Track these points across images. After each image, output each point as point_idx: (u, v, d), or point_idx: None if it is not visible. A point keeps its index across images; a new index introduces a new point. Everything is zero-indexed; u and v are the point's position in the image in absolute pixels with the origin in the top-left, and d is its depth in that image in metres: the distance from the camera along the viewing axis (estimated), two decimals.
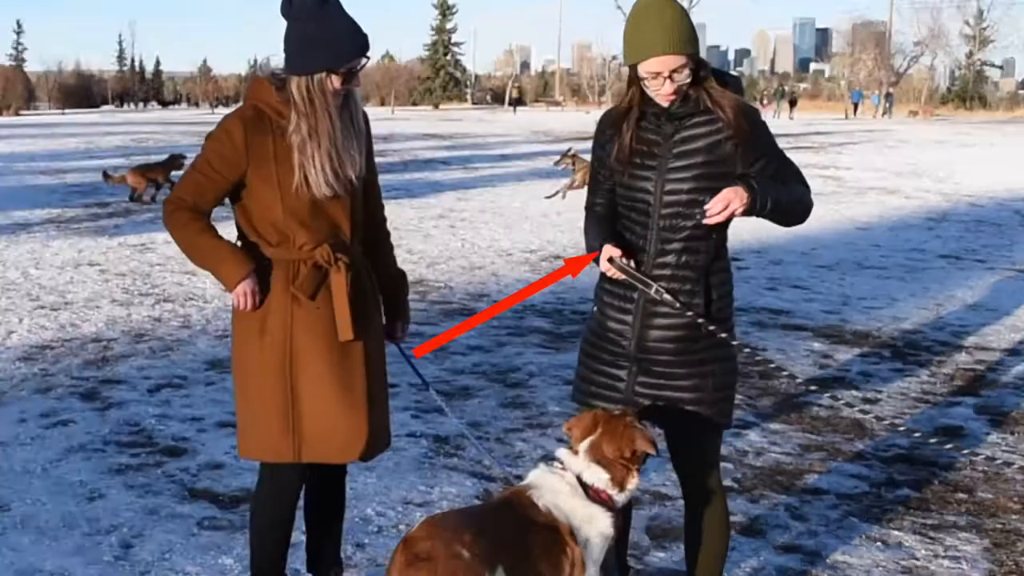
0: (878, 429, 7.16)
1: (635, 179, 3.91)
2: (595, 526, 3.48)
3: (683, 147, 3.83)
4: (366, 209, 4.26)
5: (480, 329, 10.07)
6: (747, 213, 3.73)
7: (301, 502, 4.50)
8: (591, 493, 3.50)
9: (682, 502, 4.32)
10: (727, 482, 4.79)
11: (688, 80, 3.76)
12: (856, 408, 7.25)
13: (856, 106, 71.23)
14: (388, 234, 4.49)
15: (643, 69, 3.74)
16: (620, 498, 3.57)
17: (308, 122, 3.93)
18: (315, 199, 3.97)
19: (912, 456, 6.69)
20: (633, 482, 3.58)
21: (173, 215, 4.08)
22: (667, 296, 3.82)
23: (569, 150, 22.31)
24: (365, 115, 4.24)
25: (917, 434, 6.80)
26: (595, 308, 4.19)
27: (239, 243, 4.14)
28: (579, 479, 3.51)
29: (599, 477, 3.51)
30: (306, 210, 3.98)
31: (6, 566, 4.99)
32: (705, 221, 3.73)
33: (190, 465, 6.39)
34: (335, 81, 3.91)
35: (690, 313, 3.86)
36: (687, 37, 3.73)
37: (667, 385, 3.96)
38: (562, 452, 3.64)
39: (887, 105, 71.57)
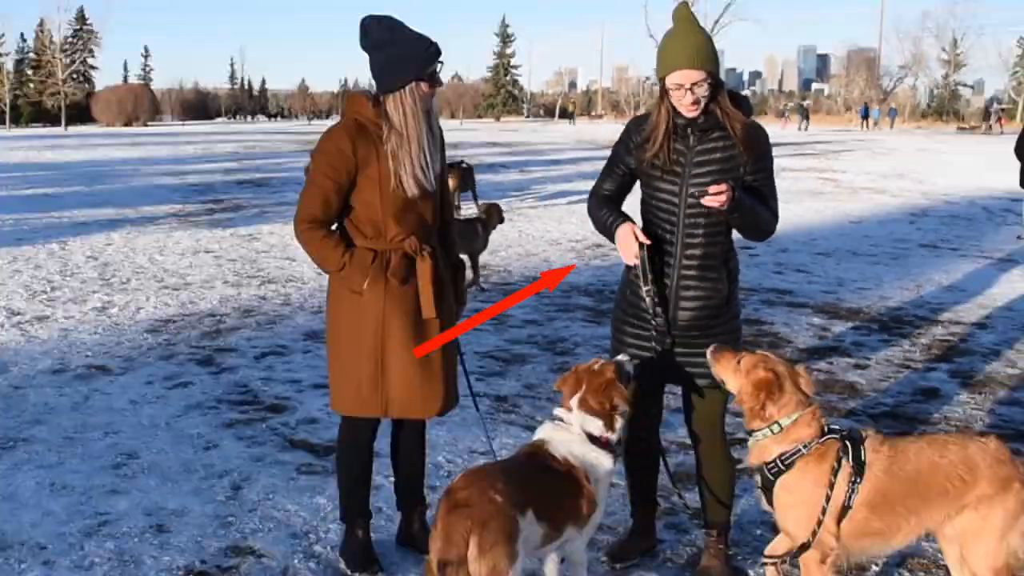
0: (867, 390, 7.24)
1: (663, 182, 4.01)
2: (603, 466, 3.64)
3: (702, 157, 3.94)
4: (440, 205, 4.29)
5: (533, 306, 10.09)
6: (728, 211, 3.81)
7: (388, 451, 4.62)
8: (594, 440, 3.64)
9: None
10: (741, 434, 4.74)
11: (707, 95, 3.84)
12: (849, 372, 7.58)
13: (866, 120, 71.30)
14: (451, 228, 4.47)
15: (669, 81, 3.82)
16: (613, 439, 3.72)
17: (402, 132, 3.96)
18: (406, 197, 3.99)
19: (896, 413, 6.74)
20: (619, 424, 3.74)
21: (306, 233, 4.08)
22: (652, 300, 3.98)
23: None
24: (439, 124, 4.26)
25: (900, 394, 7.08)
26: (627, 289, 4.27)
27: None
28: (583, 430, 3.65)
29: (596, 426, 3.66)
30: (399, 207, 4.01)
31: (135, 504, 5.05)
32: (703, 200, 3.80)
33: (290, 420, 6.44)
34: (423, 87, 3.95)
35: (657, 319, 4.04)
36: (708, 57, 3.82)
37: (692, 353, 4.05)
38: (560, 411, 3.76)
39: (891, 118, 72.03)
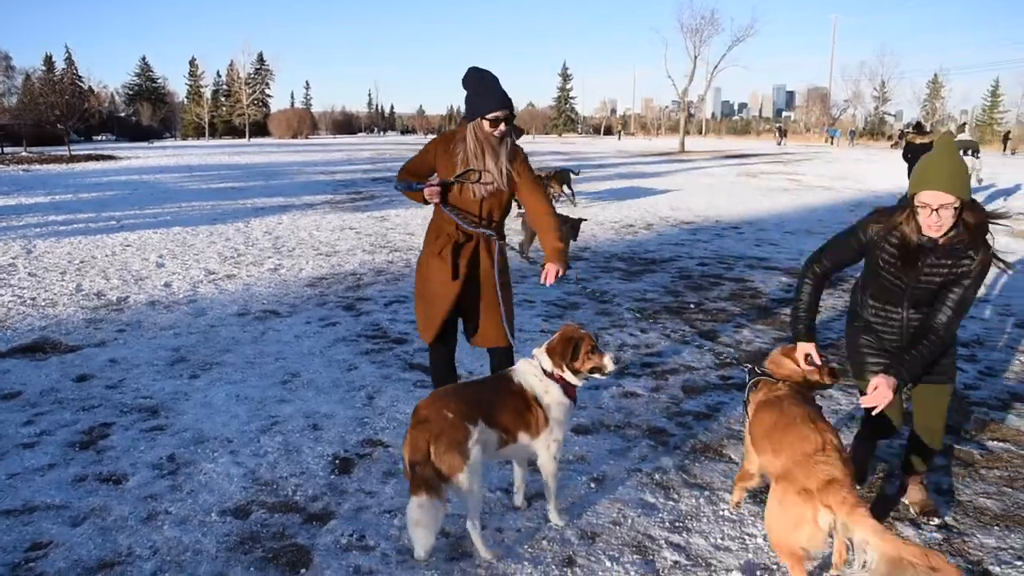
0: (821, 329, 7.08)
1: (895, 277, 3.55)
2: (551, 394, 3.59)
3: (930, 270, 3.46)
4: (526, 204, 4.25)
5: (583, 268, 10.01)
6: (899, 390, 3.47)
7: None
8: (548, 375, 3.62)
9: None
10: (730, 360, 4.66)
11: (952, 220, 3.31)
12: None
13: (833, 138, 71.78)
14: (550, 219, 4.21)
15: (918, 199, 3.33)
16: (575, 380, 3.65)
17: (471, 151, 4.08)
18: (471, 197, 4.15)
19: (838, 344, 6.63)
20: (581, 374, 3.66)
21: (397, 177, 4.34)
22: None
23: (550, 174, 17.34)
24: (521, 151, 4.26)
25: (842, 331, 6.99)
26: (868, 334, 3.82)
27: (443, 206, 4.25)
28: (541, 367, 3.64)
29: (549, 364, 3.63)
30: (466, 202, 4.16)
31: (298, 410, 5.10)
32: (863, 404, 3.47)
33: (409, 349, 6.43)
34: (485, 125, 4.04)
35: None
36: (961, 184, 3.28)
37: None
38: (535, 351, 3.72)
39: (851, 138, 71.55)
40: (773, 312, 7.89)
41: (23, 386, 5.60)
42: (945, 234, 3.37)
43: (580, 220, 10.30)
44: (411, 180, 4.28)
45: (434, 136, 4.24)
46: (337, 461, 4.37)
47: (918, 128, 19.57)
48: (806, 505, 2.91)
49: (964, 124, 22.88)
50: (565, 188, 17.35)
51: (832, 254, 3.73)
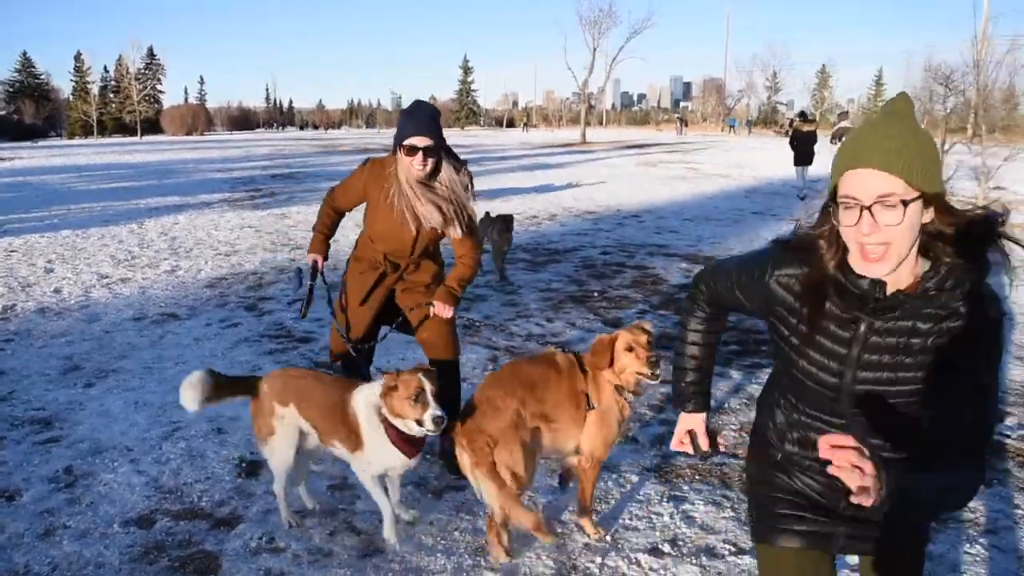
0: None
1: (813, 355, 1.96)
2: (369, 436, 3.36)
3: (883, 340, 1.85)
4: (454, 246, 4.02)
5: (487, 260, 10.01)
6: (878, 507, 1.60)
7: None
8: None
9: None
10: None
11: (906, 233, 1.73)
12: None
13: (732, 128, 73.92)
14: (467, 262, 4.02)
15: (841, 191, 1.77)
16: (403, 427, 3.30)
17: (396, 182, 3.88)
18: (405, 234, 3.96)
19: (738, 327, 6.63)
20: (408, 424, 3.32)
21: (324, 200, 4.23)
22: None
23: None
24: (462, 195, 3.94)
25: (741, 317, 6.97)
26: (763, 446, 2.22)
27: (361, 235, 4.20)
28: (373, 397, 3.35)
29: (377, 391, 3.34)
30: (398, 237, 3.98)
31: (200, 415, 4.97)
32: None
33: (314, 348, 6.35)
34: (402, 155, 3.80)
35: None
36: (918, 165, 1.72)
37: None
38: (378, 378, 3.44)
39: (748, 127, 74.15)
40: (675, 298, 8.09)
41: None
42: (897, 268, 1.79)
43: (511, 216, 9.92)
44: (310, 270, 4.25)
45: (367, 160, 4.04)
46: (244, 464, 4.29)
47: (803, 116, 20.69)
48: None
49: (846, 112, 23.90)
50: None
51: (718, 283, 2.23)
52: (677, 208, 15.94)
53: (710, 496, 3.94)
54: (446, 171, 3.88)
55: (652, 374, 3.32)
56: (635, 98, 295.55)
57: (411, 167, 3.79)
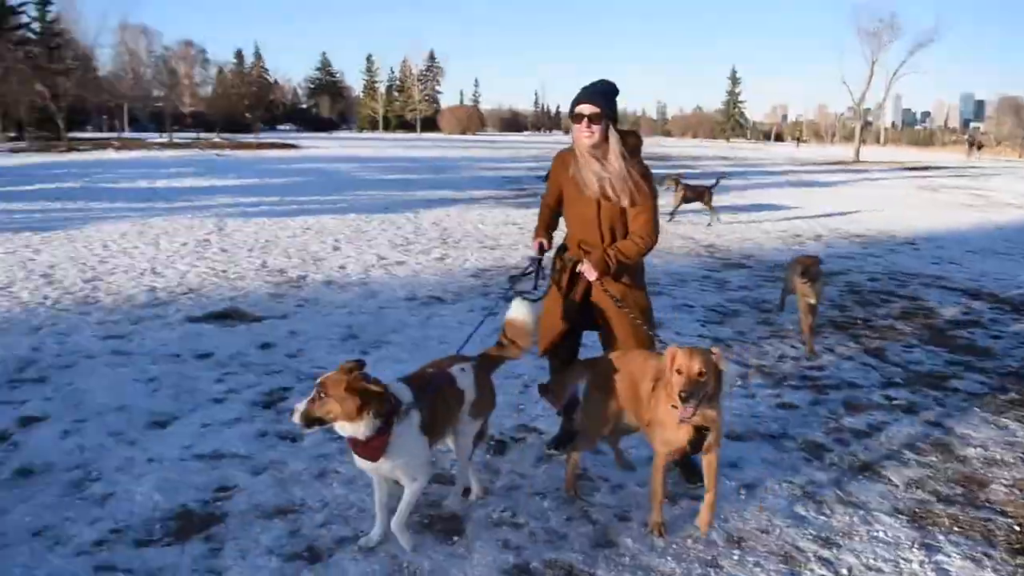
0: (999, 354, 6.75)
1: None
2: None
3: None
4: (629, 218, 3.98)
5: (747, 275, 9.81)
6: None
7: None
8: None
9: None
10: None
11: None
12: (985, 340, 7.14)
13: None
14: (634, 238, 3.99)
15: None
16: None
17: (574, 158, 3.99)
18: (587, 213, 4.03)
19: (1019, 373, 6.21)
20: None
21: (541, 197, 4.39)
22: None
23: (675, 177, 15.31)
24: (639, 169, 3.93)
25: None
26: None
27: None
28: None
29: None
30: (583, 219, 4.07)
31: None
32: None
33: None
34: (573, 126, 3.89)
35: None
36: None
37: None
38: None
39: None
40: (948, 334, 7.40)
41: (215, 348, 6.17)
42: None
43: (816, 259, 6.87)
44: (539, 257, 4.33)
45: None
46: (493, 442, 4.57)
47: None
48: None
49: None
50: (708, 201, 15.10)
51: None
52: (959, 238, 14.49)
53: (969, 551, 3.63)
54: (614, 143, 3.89)
55: (676, 406, 3.33)
56: (918, 116, 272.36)
57: (580, 136, 3.87)
